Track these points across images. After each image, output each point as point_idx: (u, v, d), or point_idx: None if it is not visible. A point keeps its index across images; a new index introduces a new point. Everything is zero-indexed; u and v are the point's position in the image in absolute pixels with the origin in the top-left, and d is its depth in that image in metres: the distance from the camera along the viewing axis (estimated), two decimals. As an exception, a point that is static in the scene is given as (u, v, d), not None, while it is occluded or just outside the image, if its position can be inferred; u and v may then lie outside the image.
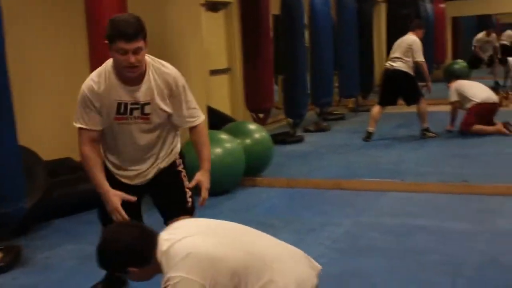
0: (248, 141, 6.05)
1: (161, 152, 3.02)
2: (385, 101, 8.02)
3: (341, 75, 10.17)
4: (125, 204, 2.91)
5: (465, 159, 6.40)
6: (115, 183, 2.96)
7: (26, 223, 4.67)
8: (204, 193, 2.99)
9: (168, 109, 2.89)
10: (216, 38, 8.46)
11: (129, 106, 2.83)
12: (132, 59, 2.68)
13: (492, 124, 7.72)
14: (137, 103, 2.84)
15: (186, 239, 2.20)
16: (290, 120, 8.37)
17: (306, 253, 2.39)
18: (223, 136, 5.73)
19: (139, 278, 2.32)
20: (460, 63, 15.49)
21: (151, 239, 2.23)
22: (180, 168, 3.11)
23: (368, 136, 7.97)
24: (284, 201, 5.37)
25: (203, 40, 5.94)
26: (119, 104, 2.83)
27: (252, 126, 6.37)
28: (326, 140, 8.32)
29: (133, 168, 2.99)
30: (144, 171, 3.01)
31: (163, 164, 3.04)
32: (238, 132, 6.05)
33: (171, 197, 3.09)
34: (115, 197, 2.88)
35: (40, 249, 4.39)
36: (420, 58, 7.72)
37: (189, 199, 3.08)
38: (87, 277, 3.74)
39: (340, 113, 10.28)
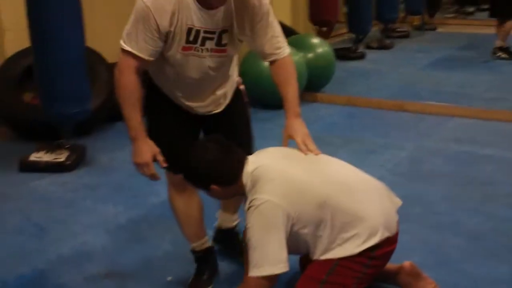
0: (310, 55, 5.90)
1: (227, 88, 2.44)
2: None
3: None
4: (182, 132, 2.43)
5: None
6: (170, 107, 2.41)
7: (90, 124, 4.75)
8: (303, 147, 2.25)
9: (246, 38, 2.28)
10: None
11: (201, 35, 2.18)
12: None
13: None
14: (212, 32, 2.18)
15: (274, 163, 2.15)
16: (353, 35, 8.11)
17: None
18: (286, 48, 5.59)
19: (219, 196, 2.30)
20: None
21: (238, 160, 2.17)
22: (246, 98, 2.55)
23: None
24: (344, 119, 5.28)
25: None
26: (189, 30, 2.16)
27: (315, 40, 6.19)
28: (388, 58, 8.05)
29: (192, 103, 2.40)
30: (207, 105, 2.42)
31: (227, 100, 2.47)
32: (301, 45, 5.88)
33: (238, 137, 2.41)
34: (148, 147, 2.28)
35: (103, 151, 4.48)
36: None
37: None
38: (147, 182, 3.75)
39: (405, 30, 9.88)
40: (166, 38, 2.18)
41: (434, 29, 10.55)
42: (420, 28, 10.37)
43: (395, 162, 4.09)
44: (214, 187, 2.17)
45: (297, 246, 2.12)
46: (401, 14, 10.09)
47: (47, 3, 3.76)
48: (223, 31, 2.21)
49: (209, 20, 2.17)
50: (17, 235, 3.17)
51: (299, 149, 2.24)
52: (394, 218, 2.20)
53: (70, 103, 3.91)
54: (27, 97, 4.85)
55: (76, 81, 3.93)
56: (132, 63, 2.20)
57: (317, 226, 2.08)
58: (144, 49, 2.17)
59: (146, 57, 2.20)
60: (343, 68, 7.18)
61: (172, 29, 2.15)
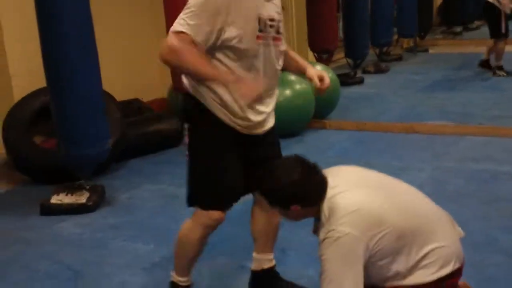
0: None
1: (275, 94, 2.48)
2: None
3: (400, 13, 9.86)
4: (237, 166, 2.41)
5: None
6: (224, 135, 2.36)
7: (105, 164, 4.72)
8: (328, 81, 2.51)
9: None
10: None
11: (268, 23, 2.31)
12: None
13: None
14: (273, 20, 2.33)
15: (354, 191, 2.10)
16: (350, 61, 8.20)
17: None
18: (292, 77, 5.63)
19: (294, 218, 2.22)
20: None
21: (322, 181, 2.12)
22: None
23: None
24: (356, 145, 5.31)
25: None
26: (259, 20, 2.27)
27: (320, 67, 6.23)
28: (387, 82, 8.15)
29: (258, 108, 2.37)
30: (267, 115, 2.43)
31: (273, 117, 2.51)
32: (306, 73, 5.93)
33: None
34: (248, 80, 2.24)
35: (121, 189, 4.46)
36: None
37: None
38: (171, 217, 3.80)
39: (398, 53, 10.02)
40: (229, 28, 2.20)
41: (425, 50, 10.71)
42: (412, 50, 10.53)
43: (418, 185, 3.97)
44: (295, 207, 2.12)
45: (367, 276, 2.09)
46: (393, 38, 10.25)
47: (64, 46, 3.76)
48: (279, 20, 2.37)
49: (271, 9, 2.32)
50: (51, 279, 3.12)
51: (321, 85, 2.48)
52: (461, 248, 2.20)
53: (91, 144, 3.91)
54: (38, 140, 4.84)
55: (95, 122, 3.93)
56: (186, 38, 2.17)
57: (394, 258, 2.06)
58: (199, 33, 2.17)
59: (199, 40, 2.18)
60: (344, 94, 7.21)
61: (239, 17, 2.21)
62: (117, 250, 3.42)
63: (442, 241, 2.10)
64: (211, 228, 2.47)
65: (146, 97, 6.21)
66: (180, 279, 2.59)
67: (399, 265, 2.06)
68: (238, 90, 2.22)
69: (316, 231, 2.19)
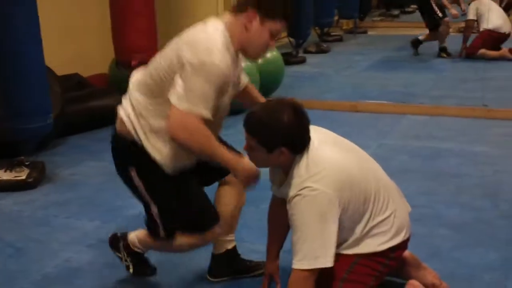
0: (260, 60, 5.91)
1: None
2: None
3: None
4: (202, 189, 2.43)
5: (478, 84, 6.38)
6: (183, 177, 2.34)
7: (46, 139, 4.56)
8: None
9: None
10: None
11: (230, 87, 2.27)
12: (273, 42, 2.19)
13: (498, 49, 7.69)
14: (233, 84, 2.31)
15: (331, 149, 2.08)
16: (293, 40, 8.21)
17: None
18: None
19: (275, 163, 2.11)
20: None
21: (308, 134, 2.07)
22: None
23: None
24: (301, 122, 5.32)
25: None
26: (231, 84, 2.26)
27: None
28: (329, 62, 8.22)
29: None
30: None
31: None
32: (250, 51, 5.89)
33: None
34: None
35: (63, 166, 4.32)
36: None
37: None
38: (116, 194, 3.70)
39: (338, 34, 10.12)
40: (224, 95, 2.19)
41: (365, 32, 10.87)
42: (353, 31, 10.65)
43: (363, 161, 4.14)
44: (284, 150, 2.03)
45: None
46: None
47: (7, 18, 3.59)
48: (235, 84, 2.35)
49: (238, 72, 2.34)
50: (-8, 257, 2.99)
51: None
52: (409, 220, 2.25)
53: (34, 118, 3.75)
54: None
55: (38, 95, 3.78)
56: (200, 120, 2.08)
57: (355, 221, 2.08)
58: (210, 109, 2.09)
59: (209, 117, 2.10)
60: (287, 73, 7.19)
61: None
62: (61, 227, 3.30)
63: (396, 210, 2.14)
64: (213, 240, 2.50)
65: (86, 72, 6.01)
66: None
67: (357, 230, 2.10)
68: (240, 176, 2.19)
69: (280, 183, 2.15)
